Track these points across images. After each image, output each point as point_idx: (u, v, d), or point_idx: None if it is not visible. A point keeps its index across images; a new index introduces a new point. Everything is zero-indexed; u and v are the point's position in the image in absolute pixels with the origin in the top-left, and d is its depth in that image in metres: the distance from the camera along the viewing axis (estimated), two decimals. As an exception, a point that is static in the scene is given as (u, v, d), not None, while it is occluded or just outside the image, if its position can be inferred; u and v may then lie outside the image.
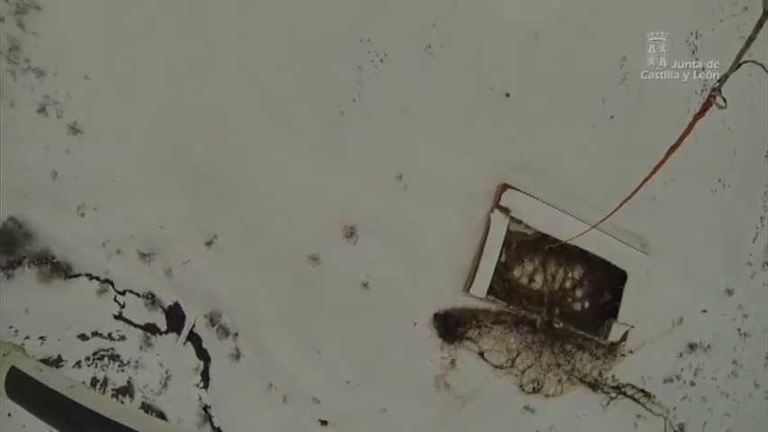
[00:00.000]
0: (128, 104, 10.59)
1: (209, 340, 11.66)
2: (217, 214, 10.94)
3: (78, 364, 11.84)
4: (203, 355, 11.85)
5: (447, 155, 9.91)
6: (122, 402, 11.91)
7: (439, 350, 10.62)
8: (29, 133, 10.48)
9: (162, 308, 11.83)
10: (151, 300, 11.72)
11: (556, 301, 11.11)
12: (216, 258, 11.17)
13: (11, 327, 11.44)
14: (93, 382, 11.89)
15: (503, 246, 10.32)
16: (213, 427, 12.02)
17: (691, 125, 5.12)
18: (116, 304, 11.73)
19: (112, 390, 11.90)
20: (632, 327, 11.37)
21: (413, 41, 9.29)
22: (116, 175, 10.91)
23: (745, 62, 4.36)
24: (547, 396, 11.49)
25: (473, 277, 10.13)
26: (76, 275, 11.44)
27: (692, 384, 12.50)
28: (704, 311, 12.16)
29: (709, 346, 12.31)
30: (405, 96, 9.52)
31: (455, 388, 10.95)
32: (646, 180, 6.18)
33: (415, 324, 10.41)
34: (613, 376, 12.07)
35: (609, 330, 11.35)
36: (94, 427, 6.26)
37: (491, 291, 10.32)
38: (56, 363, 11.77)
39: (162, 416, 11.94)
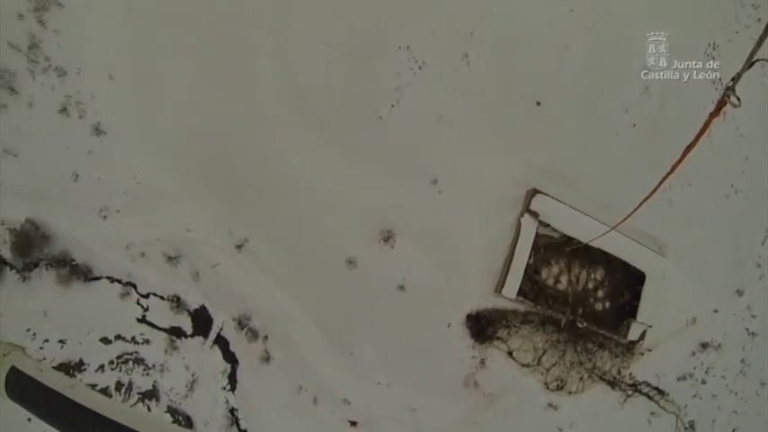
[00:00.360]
0: (154, 105, 10.59)
1: (238, 343, 11.71)
2: (249, 218, 11.02)
3: (101, 368, 11.77)
4: (230, 358, 11.90)
5: (479, 160, 10.25)
6: (148, 407, 11.89)
7: (470, 350, 10.90)
8: (48, 134, 10.43)
9: (188, 311, 11.84)
10: (177, 303, 11.72)
11: (579, 301, 11.50)
12: (247, 261, 11.26)
13: (28, 330, 11.27)
14: (118, 386, 11.82)
15: (531, 248, 10.66)
16: (240, 429, 12.06)
17: (706, 124, 5.30)
18: (139, 307, 11.70)
19: (138, 394, 11.86)
20: (650, 326, 11.81)
21: (451, 50, 9.63)
22: (141, 177, 10.92)
23: (758, 61, 4.56)
24: (570, 393, 11.85)
25: (504, 279, 10.46)
26: (97, 278, 11.37)
27: (704, 382, 12.99)
28: (715, 311, 12.66)
29: (719, 345, 12.82)
30: (441, 103, 9.83)
31: (483, 386, 11.23)
32: (664, 179, 6.39)
33: (449, 325, 10.69)
34: (631, 374, 12.48)
35: (628, 329, 11.77)
36: (94, 427, 6.34)
37: (520, 291, 10.66)
38: (78, 367, 11.67)
39: (188, 419, 11.93)
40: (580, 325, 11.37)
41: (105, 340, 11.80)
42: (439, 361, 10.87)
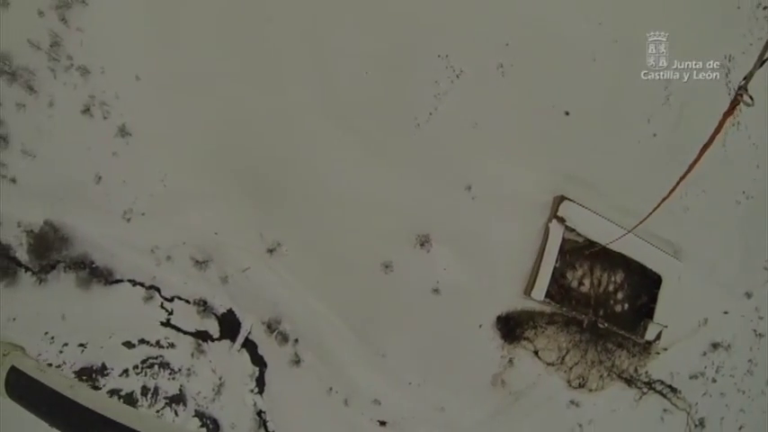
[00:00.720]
0: (182, 107, 10.48)
1: (266, 346, 11.77)
2: (281, 222, 11.09)
3: (125, 372, 11.68)
4: (259, 361, 11.96)
5: (511, 167, 10.58)
6: (176, 411, 11.84)
7: (500, 350, 11.22)
8: (70, 135, 10.28)
9: (215, 315, 11.84)
10: (203, 307, 11.70)
11: (600, 303, 11.92)
12: (278, 266, 11.33)
13: (46, 333, 11.10)
14: (144, 390, 11.76)
15: (558, 252, 11.04)
16: (267, 431, 12.11)
17: (721, 123, 5.50)
18: (163, 311, 11.64)
19: (164, 398, 11.81)
20: (666, 326, 12.29)
21: (487, 60, 9.95)
22: (168, 180, 10.87)
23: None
24: (590, 391, 12.26)
25: (534, 281, 10.81)
26: (118, 281, 11.29)
27: (714, 381, 13.52)
28: (726, 313, 13.22)
29: (729, 346, 13.36)
30: (477, 111, 10.14)
31: (510, 385, 11.56)
32: (682, 178, 6.64)
33: (480, 326, 10.98)
34: (646, 372, 12.95)
35: (645, 330, 12.24)
36: (94, 427, 6.41)
37: (547, 294, 11.03)
38: (101, 371, 11.57)
39: (215, 422, 11.92)
40: (601, 326, 11.79)
41: (128, 344, 11.71)
42: (469, 361, 11.15)
